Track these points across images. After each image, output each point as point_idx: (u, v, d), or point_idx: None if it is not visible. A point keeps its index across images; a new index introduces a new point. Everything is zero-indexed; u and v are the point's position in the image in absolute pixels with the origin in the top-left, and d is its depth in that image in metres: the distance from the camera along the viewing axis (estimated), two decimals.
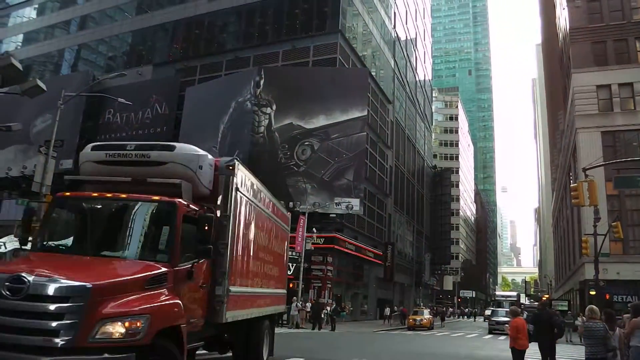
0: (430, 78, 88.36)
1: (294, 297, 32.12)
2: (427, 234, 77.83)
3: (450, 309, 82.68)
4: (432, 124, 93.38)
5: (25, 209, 8.07)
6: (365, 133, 41.54)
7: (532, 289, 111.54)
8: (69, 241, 7.74)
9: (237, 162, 8.80)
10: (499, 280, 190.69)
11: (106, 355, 5.74)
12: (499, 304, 61.40)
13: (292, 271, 33.05)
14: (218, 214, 8.34)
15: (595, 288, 28.34)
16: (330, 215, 40.01)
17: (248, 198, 9.61)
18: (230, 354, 10.72)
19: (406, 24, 66.80)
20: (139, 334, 5.90)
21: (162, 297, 6.56)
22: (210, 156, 8.53)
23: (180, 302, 6.79)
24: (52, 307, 5.69)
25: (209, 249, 7.45)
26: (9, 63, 13.46)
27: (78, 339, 5.66)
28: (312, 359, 14.66)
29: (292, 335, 24.27)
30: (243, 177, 9.24)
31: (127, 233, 7.42)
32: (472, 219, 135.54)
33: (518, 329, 11.12)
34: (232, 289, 8.58)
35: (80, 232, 7.86)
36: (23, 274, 5.80)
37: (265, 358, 11.26)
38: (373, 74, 49.41)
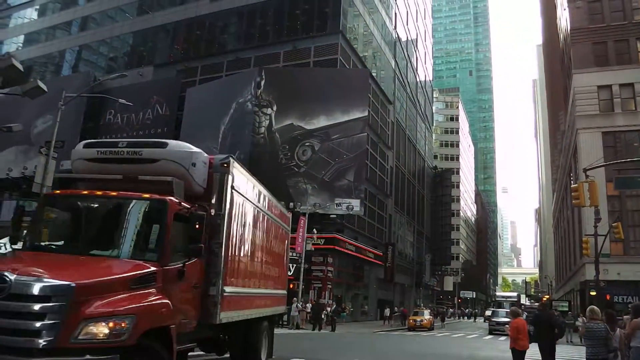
0: (431, 79, 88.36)
1: (294, 298, 32.11)
2: (427, 234, 77.80)
3: (451, 310, 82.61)
4: (432, 125, 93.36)
5: (15, 207, 7.98)
6: (366, 134, 41.55)
7: (533, 290, 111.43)
8: (59, 240, 7.66)
9: (232, 160, 8.62)
10: (500, 280, 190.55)
11: (88, 356, 5.58)
12: (500, 305, 61.50)
13: (292, 272, 33.05)
14: (213, 213, 8.18)
15: (596, 289, 28.32)
16: (331, 215, 40.02)
17: (244, 197, 9.41)
18: (228, 355, 10.55)
19: (407, 24, 66.81)
20: (124, 335, 5.75)
21: (150, 297, 6.40)
22: (204, 154, 8.37)
23: (169, 302, 6.62)
24: (33, 306, 5.55)
25: (200, 248, 7.30)
26: (10, 64, 13.49)
27: (60, 339, 5.52)
28: None
29: (292, 336, 24.26)
30: (239, 175, 9.06)
31: (117, 231, 7.26)
32: (473, 219, 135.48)
33: (518, 329, 11.11)
34: (227, 289, 8.41)
35: (69, 230, 7.75)
36: (5, 273, 5.65)
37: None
38: (374, 74, 49.42)
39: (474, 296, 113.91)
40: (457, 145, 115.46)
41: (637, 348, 8.81)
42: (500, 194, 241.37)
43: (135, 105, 40.50)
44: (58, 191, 7.93)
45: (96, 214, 7.70)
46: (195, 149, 8.19)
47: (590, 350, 8.93)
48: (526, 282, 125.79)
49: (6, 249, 19.31)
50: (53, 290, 5.63)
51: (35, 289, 5.60)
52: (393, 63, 58.16)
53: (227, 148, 40.18)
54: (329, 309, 35.17)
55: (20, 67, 13.87)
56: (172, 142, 8.10)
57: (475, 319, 78.59)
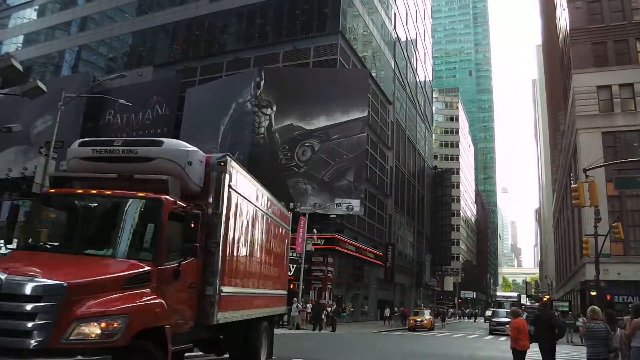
0: (430, 79, 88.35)
1: (295, 298, 32.10)
2: (427, 234, 77.80)
3: (451, 310, 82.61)
4: (432, 125, 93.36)
5: (10, 207, 7.88)
6: (366, 134, 41.55)
7: (533, 290, 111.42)
8: (53, 239, 7.61)
9: (229, 159, 8.51)
10: (500, 281, 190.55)
11: (80, 357, 5.50)
12: (500, 305, 61.43)
13: (292, 272, 33.04)
14: (210, 212, 8.10)
15: (596, 289, 28.33)
16: (331, 216, 40.00)
17: (242, 196, 9.31)
18: (227, 356, 10.47)
19: (406, 24, 66.81)
20: (116, 335, 5.68)
21: (144, 297, 6.32)
22: (200, 152, 8.29)
23: (163, 302, 6.53)
24: (25, 306, 5.49)
25: (196, 248, 7.19)
26: (10, 64, 13.48)
27: (51, 340, 5.45)
28: None
29: (292, 336, 24.26)
30: (236, 174, 8.96)
31: (111, 231, 7.20)
32: (473, 219, 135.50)
33: (519, 329, 11.10)
34: (225, 289, 8.32)
35: (64, 229, 7.71)
36: None
37: None
38: (373, 74, 49.41)
39: (475, 296, 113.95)
40: (457, 146, 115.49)
41: (637, 348, 8.81)
42: (500, 194, 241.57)
43: (135, 105, 40.54)
44: (52, 190, 7.83)
45: (91, 213, 7.62)
46: (191, 148, 8.11)
47: (591, 350, 8.92)
48: (526, 282, 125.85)
49: (6, 249, 19.30)
50: (44, 289, 5.56)
51: (26, 289, 5.53)
52: (392, 63, 58.16)
53: (227, 148, 40.12)
54: (329, 309, 35.16)
55: (19, 67, 13.86)
56: (167, 141, 8.02)
57: (475, 319, 78.61)
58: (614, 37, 38.85)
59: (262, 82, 41.54)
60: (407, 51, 66.29)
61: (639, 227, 35.96)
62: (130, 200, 7.26)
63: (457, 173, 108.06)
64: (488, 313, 57.24)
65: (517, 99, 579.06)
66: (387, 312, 45.41)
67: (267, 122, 41.02)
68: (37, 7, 64.86)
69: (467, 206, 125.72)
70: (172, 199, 7.29)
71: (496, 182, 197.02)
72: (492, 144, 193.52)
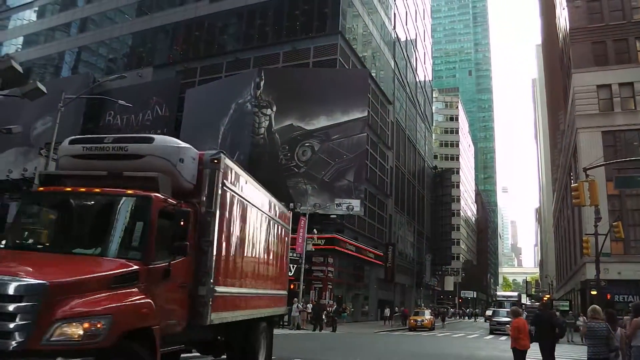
0: (430, 79, 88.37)
1: (295, 299, 32.10)
2: (427, 234, 77.81)
3: (452, 310, 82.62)
4: (432, 125, 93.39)
5: None
6: (366, 134, 41.56)
7: (533, 289, 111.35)
8: (41, 238, 7.50)
9: (222, 156, 8.28)
10: (500, 280, 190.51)
11: (60, 359, 5.33)
12: (500, 305, 61.32)
13: (292, 272, 33.05)
14: (203, 210, 7.94)
15: (597, 288, 28.31)
16: (331, 216, 39.99)
17: (237, 194, 9.09)
18: (225, 357, 10.29)
19: (406, 24, 66.83)
20: (99, 336, 5.48)
21: (132, 297, 6.14)
22: (193, 149, 8.08)
23: (151, 302, 6.34)
24: (5, 306, 5.32)
25: (185, 246, 6.99)
26: (9, 65, 13.46)
27: (31, 341, 5.27)
28: None
29: (293, 337, 24.27)
30: (231, 171, 8.73)
31: (100, 229, 7.06)
32: (473, 219, 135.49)
33: (519, 329, 11.10)
34: (219, 289, 8.11)
35: (52, 228, 7.59)
36: None
37: None
38: (373, 74, 49.42)
39: (475, 296, 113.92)
40: (457, 145, 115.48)
41: (638, 347, 8.82)
42: (501, 193, 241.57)
43: (135, 106, 40.56)
44: (41, 188, 7.68)
45: (79, 211, 7.50)
46: (183, 144, 7.94)
47: (591, 349, 8.91)
48: (527, 281, 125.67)
49: None
50: (25, 289, 5.39)
51: (7, 288, 5.38)
52: (392, 63, 58.17)
53: (227, 149, 40.03)
54: (329, 309, 35.16)
55: (19, 68, 13.84)
56: (158, 137, 7.88)
57: (475, 318, 78.60)
58: (614, 36, 38.85)
59: (262, 83, 41.54)
60: (406, 51, 66.31)
61: (639, 226, 35.96)
62: (119, 198, 7.12)
63: (457, 173, 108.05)
64: (488, 313, 57.20)
65: (517, 99, 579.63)
66: (387, 312, 45.43)
67: (267, 122, 41.03)
68: (36, 9, 64.91)
69: (467, 206, 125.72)
70: (162, 197, 7.11)
71: (496, 181, 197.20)
72: (492, 144, 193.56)
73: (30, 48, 62.69)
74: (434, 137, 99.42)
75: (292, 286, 31.64)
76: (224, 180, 8.32)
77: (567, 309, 41.13)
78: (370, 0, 51.59)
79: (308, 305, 34.55)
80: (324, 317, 33.03)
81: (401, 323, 43.67)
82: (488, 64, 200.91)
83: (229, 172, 8.63)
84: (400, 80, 62.02)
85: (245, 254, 9.79)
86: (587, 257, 30.36)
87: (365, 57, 49.14)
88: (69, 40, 60.48)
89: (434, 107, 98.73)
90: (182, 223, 7.01)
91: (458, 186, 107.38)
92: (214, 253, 7.95)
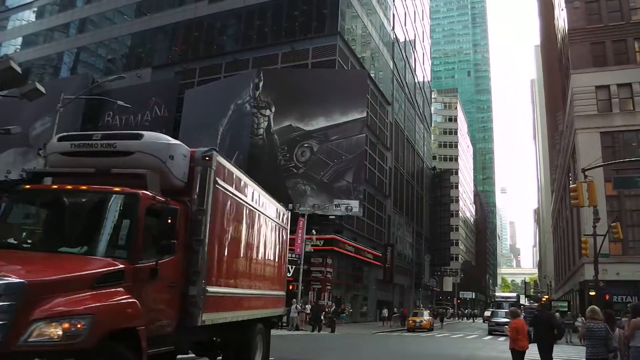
0: (429, 79, 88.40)
1: (294, 299, 32.10)
2: (426, 235, 77.82)
3: (450, 310, 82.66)
4: (431, 126, 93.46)
5: None
6: (365, 135, 41.57)
7: (532, 290, 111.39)
8: (27, 237, 7.42)
9: (215, 153, 8.06)
10: (499, 281, 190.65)
11: None
12: (499, 305, 61.39)
13: (291, 273, 33.07)
14: (194, 209, 7.76)
15: (595, 289, 28.35)
16: (330, 216, 39.98)
17: (230, 192, 8.88)
18: (221, 358, 10.14)
19: (405, 25, 66.86)
20: (80, 337, 5.27)
21: (116, 297, 5.96)
22: (184, 146, 7.92)
23: (136, 301, 6.14)
24: None
25: (172, 245, 6.76)
26: (8, 66, 13.45)
27: (7, 342, 5.07)
28: None
29: (292, 337, 24.27)
30: (224, 169, 8.54)
31: (86, 227, 6.93)
32: (472, 220, 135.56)
33: (518, 330, 11.10)
34: (211, 289, 7.92)
35: (38, 226, 7.51)
36: None
37: None
38: (372, 75, 49.43)
39: (474, 297, 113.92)
40: (456, 146, 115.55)
41: (636, 348, 8.82)
42: (499, 194, 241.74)
43: (134, 107, 40.50)
44: (27, 186, 7.51)
45: (65, 209, 7.32)
46: (173, 141, 7.76)
47: (590, 350, 8.92)
48: (525, 282, 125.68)
49: None
50: (3, 288, 5.21)
51: None
52: (391, 64, 58.20)
53: (226, 149, 40.15)
54: (328, 310, 35.15)
55: (18, 69, 13.83)
56: (148, 134, 7.69)
57: (474, 319, 78.64)
58: (613, 37, 38.89)
59: (261, 83, 41.54)
60: (405, 52, 66.33)
61: (638, 227, 35.99)
62: (106, 195, 6.99)
63: (456, 173, 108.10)
64: (487, 313, 57.25)
65: (515, 99, 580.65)
66: (385, 312, 45.44)
67: (265, 123, 41.02)
68: (35, 9, 64.86)
69: (466, 207, 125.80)
70: (150, 194, 6.92)
71: (495, 182, 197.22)
72: (491, 145, 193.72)
73: (29, 48, 62.66)
74: (432, 138, 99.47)
75: (290, 287, 31.68)
76: (217, 178, 8.14)
77: (566, 309, 41.14)
78: (369, 1, 51.63)
79: (307, 306, 34.55)
80: (322, 318, 33.01)
81: (400, 324, 43.68)
82: (487, 65, 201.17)
83: (222, 170, 8.46)
84: (399, 81, 62.06)
85: (239, 254, 9.61)
86: (585, 257, 30.38)
87: (364, 58, 49.17)
88: (68, 40, 60.43)
89: (432, 108, 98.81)
90: (169, 221, 6.76)
91: (457, 187, 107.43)
92: (206, 252, 7.77)
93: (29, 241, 7.28)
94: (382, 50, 54.99)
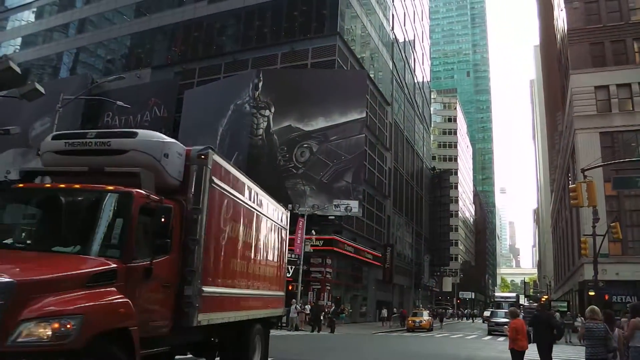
0: (428, 80, 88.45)
1: (293, 300, 32.10)
2: (426, 235, 77.82)
3: (450, 311, 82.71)
4: (430, 126, 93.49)
5: None
6: (364, 135, 41.57)
7: (532, 290, 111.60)
8: (19, 236, 7.35)
9: (210, 152, 7.95)
10: (498, 281, 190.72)
11: None
12: (498, 305, 61.47)
13: (291, 273, 33.07)
14: (189, 208, 7.67)
15: (595, 289, 28.36)
16: (329, 217, 39.97)
17: (227, 191, 8.79)
18: (219, 359, 10.06)
19: (404, 26, 66.88)
20: (69, 337, 5.16)
21: (108, 297, 5.86)
22: (179, 144, 7.82)
23: (128, 301, 6.04)
24: None
25: (166, 244, 6.69)
26: (8, 66, 13.43)
27: None
28: None
29: (291, 338, 24.27)
30: (220, 168, 8.43)
31: (79, 226, 6.86)
32: (471, 220, 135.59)
33: (517, 330, 11.11)
34: (207, 289, 7.83)
35: (31, 225, 7.43)
36: None
37: None
38: (371, 76, 49.43)
39: (473, 297, 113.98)
40: (455, 146, 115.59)
41: (635, 348, 8.83)
42: (499, 194, 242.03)
43: (133, 107, 40.49)
44: (21, 185, 7.41)
45: (58, 208, 7.23)
46: (168, 139, 7.65)
47: (589, 350, 8.93)
48: (525, 282, 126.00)
49: None
50: None
51: None
52: (390, 64, 58.22)
53: (225, 150, 40.15)
54: (328, 310, 35.16)
55: (17, 69, 13.80)
56: (142, 132, 7.63)
57: (473, 319, 78.69)
58: (612, 38, 38.92)
59: (260, 84, 41.54)
60: (405, 52, 66.35)
61: (637, 227, 36.00)
62: (99, 194, 6.89)
63: (456, 174, 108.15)
64: (486, 314, 57.28)
65: (515, 100, 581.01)
66: (384, 312, 45.46)
67: (265, 123, 41.02)
68: (35, 10, 64.82)
69: (466, 207, 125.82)
70: (144, 193, 6.82)
71: (494, 182, 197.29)
72: (490, 145, 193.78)
73: (29, 49, 62.63)
74: (432, 138, 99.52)
75: (290, 287, 31.68)
76: (212, 177, 8.03)
77: (565, 309, 41.17)
78: (368, 1, 51.65)
79: (306, 306, 34.56)
80: (322, 318, 33.01)
81: (399, 324, 43.69)
82: (486, 65, 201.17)
83: (218, 168, 8.37)
84: (399, 81, 62.08)
85: (237, 254, 9.51)
86: (585, 257, 30.40)
87: (363, 58, 49.18)
88: (67, 41, 60.40)
89: (432, 108, 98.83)
90: (164, 220, 6.65)
91: (456, 187, 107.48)
92: (202, 252, 7.69)
93: (22, 240, 7.18)
94: (381, 50, 55.01)
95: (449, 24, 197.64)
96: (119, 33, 56.00)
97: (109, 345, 5.74)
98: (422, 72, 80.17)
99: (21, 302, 5.17)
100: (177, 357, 9.38)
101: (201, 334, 8.55)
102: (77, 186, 7.00)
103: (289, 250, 16.05)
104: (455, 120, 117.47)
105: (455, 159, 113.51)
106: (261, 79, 41.69)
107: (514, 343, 11.10)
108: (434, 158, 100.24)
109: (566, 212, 49.60)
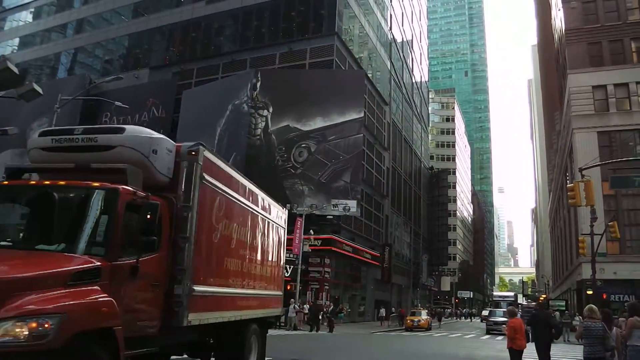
0: (426, 79, 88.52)
1: (292, 299, 32.10)
2: (424, 235, 77.87)
3: (448, 310, 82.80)
4: (428, 125, 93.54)
5: None
6: (362, 135, 41.58)
7: (530, 289, 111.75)
8: (4, 234, 7.20)
9: (201, 148, 7.75)
10: (497, 280, 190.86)
11: None
12: (497, 305, 61.47)
13: (289, 273, 33.04)
14: (179, 205, 7.50)
15: (593, 288, 28.42)
16: (328, 217, 40.01)
17: (220, 189, 8.56)
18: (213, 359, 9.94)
19: (402, 25, 66.91)
20: (47, 337, 5.01)
21: (91, 295, 5.70)
22: (169, 140, 7.65)
23: (112, 300, 5.87)
24: None
25: (153, 242, 6.54)
26: (5, 67, 13.40)
27: None
28: None
29: (290, 337, 24.27)
30: (212, 165, 8.22)
31: (63, 224, 6.72)
32: (469, 219, 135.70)
33: (516, 329, 11.13)
34: (198, 288, 7.63)
35: (16, 223, 7.31)
36: None
37: None
38: (369, 75, 49.44)
39: (471, 296, 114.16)
40: (453, 146, 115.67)
41: (633, 347, 8.84)
42: (497, 194, 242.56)
43: (131, 107, 40.43)
44: (6, 182, 7.30)
45: (43, 205, 7.07)
46: (156, 135, 7.50)
47: (587, 349, 8.95)
48: (523, 281, 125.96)
49: None
50: None
51: None
52: (388, 64, 58.25)
53: (224, 150, 40.19)
54: (326, 309, 35.17)
55: (15, 70, 13.78)
56: (130, 128, 7.47)
57: (472, 319, 78.76)
58: (609, 37, 38.99)
59: (259, 84, 41.55)
60: (403, 52, 66.40)
61: (635, 226, 36.08)
62: (85, 191, 6.75)
63: (454, 173, 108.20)
64: (485, 313, 57.33)
65: (513, 99, 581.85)
66: (383, 312, 45.49)
67: (263, 123, 41.02)
68: (32, 10, 64.73)
69: (464, 206, 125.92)
70: (131, 189, 6.65)
71: (492, 182, 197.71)
72: (489, 144, 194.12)
73: (26, 49, 62.53)
74: (430, 138, 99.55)
75: (288, 287, 31.64)
76: (204, 174, 7.83)
77: (564, 308, 41.25)
78: (366, 1, 51.68)
79: (305, 306, 34.58)
80: (320, 317, 33.03)
81: (398, 323, 43.71)
82: (484, 65, 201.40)
83: (210, 165, 8.15)
84: (397, 81, 62.11)
85: (231, 252, 9.30)
86: (583, 257, 30.44)
87: (361, 58, 49.20)
88: (65, 41, 60.33)
89: (430, 108, 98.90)
90: (150, 217, 6.47)
91: (454, 187, 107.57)
92: (192, 250, 7.49)
93: (5, 239, 7.02)
94: (379, 50, 55.04)
95: (447, 24, 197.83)
96: (116, 33, 55.96)
97: (91, 345, 5.61)
98: (420, 72, 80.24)
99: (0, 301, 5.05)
100: (172, 357, 9.32)
101: (194, 334, 8.38)
102: (62, 183, 6.85)
103: (287, 249, 15.92)
104: (453, 120, 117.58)
105: (453, 159, 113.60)
106: (259, 79, 41.70)
107: (513, 342, 11.12)
108: (432, 158, 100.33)
109: (564, 212, 49.68)
